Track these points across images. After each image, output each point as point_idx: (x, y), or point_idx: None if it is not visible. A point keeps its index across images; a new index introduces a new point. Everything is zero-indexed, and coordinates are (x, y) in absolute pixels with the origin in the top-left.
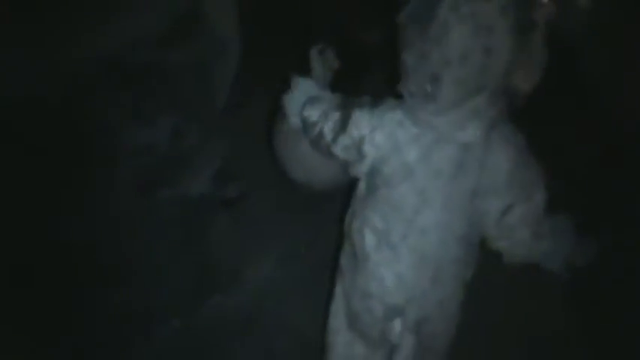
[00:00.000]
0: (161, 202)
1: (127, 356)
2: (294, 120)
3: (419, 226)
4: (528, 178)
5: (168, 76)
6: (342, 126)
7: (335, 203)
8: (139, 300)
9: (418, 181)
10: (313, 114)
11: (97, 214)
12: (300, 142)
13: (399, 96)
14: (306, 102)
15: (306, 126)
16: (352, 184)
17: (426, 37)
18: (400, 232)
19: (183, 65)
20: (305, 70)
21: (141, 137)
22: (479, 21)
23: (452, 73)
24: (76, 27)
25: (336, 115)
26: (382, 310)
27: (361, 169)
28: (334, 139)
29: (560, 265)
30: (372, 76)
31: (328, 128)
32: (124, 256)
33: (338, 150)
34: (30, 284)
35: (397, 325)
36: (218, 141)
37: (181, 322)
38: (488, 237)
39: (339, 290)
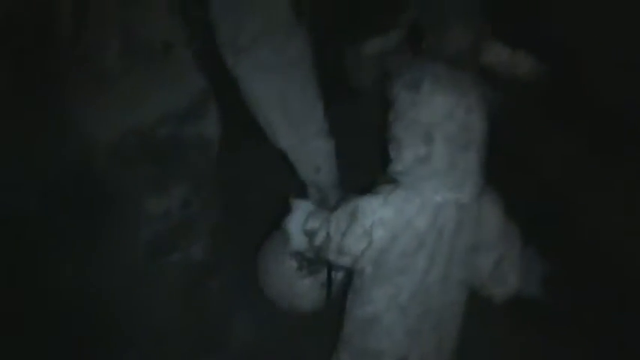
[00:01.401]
0: (166, 266)
1: None
2: (296, 241)
3: (426, 284)
4: (512, 231)
5: (181, 149)
6: (352, 218)
7: None
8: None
9: (428, 246)
10: (316, 224)
11: (106, 274)
12: (276, 266)
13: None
14: (308, 217)
15: (312, 237)
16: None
17: (416, 103)
18: (409, 292)
19: (195, 139)
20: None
21: (156, 206)
22: (458, 88)
23: (442, 130)
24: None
25: (340, 214)
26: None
27: (370, 255)
28: (344, 234)
29: (539, 291)
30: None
31: (335, 228)
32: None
33: (350, 243)
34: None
35: None
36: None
37: None
38: (482, 286)
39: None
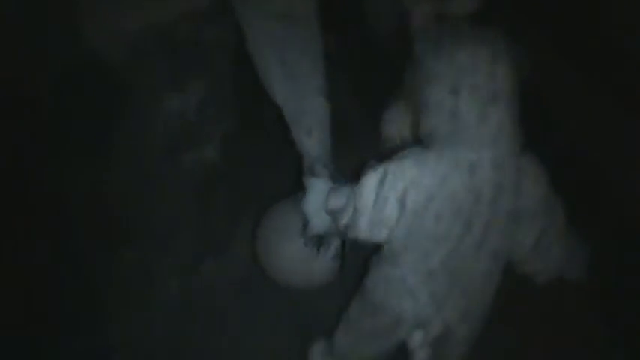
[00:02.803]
0: (180, 164)
1: (125, 314)
2: (316, 223)
3: (459, 250)
4: (555, 202)
5: (201, 48)
6: (381, 186)
7: None
8: (142, 258)
9: (465, 210)
10: (339, 201)
11: (121, 168)
12: (283, 246)
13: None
14: (328, 195)
15: (337, 217)
16: None
17: (439, 56)
18: (440, 258)
19: (214, 39)
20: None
21: (173, 102)
22: (480, 39)
23: (467, 82)
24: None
25: (367, 184)
26: (410, 324)
27: (405, 222)
28: (376, 205)
29: (582, 271)
30: None
31: (364, 201)
32: (133, 215)
33: (384, 214)
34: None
35: (418, 337)
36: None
37: (180, 284)
38: (523, 261)
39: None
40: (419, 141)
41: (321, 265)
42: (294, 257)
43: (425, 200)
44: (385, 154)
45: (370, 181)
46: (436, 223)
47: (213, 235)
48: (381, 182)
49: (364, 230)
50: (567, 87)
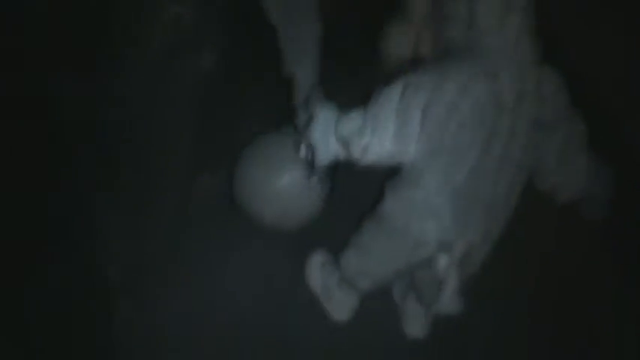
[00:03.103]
0: (178, 68)
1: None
2: (324, 152)
3: (483, 165)
4: (576, 114)
5: None
6: (402, 99)
7: None
8: (138, 170)
9: (488, 121)
10: (355, 121)
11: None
12: (267, 184)
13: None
14: (339, 121)
15: (350, 140)
16: None
17: None
18: (464, 174)
19: None
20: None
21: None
22: None
23: None
24: None
25: (383, 102)
26: (433, 247)
27: (427, 136)
28: (398, 116)
29: (603, 199)
30: None
31: (386, 114)
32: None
33: (406, 125)
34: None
35: (443, 260)
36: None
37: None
38: (544, 172)
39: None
40: (421, 60)
41: (308, 202)
42: (281, 194)
43: (447, 110)
44: (389, 75)
45: (391, 93)
46: (459, 134)
47: (210, 149)
48: (402, 95)
49: (387, 150)
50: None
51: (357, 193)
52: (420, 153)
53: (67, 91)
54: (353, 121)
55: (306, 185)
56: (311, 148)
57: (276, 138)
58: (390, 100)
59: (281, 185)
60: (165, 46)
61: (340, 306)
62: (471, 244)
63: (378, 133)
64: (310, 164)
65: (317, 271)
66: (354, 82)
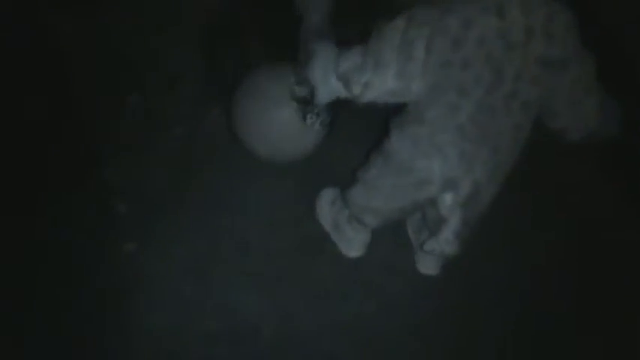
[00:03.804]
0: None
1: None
2: (323, 91)
3: (490, 101)
4: (586, 53)
5: None
6: (406, 32)
7: None
8: (146, 103)
9: (495, 56)
10: (355, 57)
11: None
12: (265, 118)
13: None
14: (339, 57)
15: (351, 76)
16: None
17: None
18: (470, 111)
19: None
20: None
21: None
22: None
23: None
24: None
25: (392, 32)
26: (438, 184)
27: (431, 70)
28: (401, 51)
29: (615, 128)
30: None
31: (389, 49)
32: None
33: (410, 60)
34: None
35: (449, 199)
36: None
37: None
38: (553, 113)
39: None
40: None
41: (303, 137)
42: (282, 126)
43: (452, 45)
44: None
45: (393, 28)
46: (464, 70)
47: (218, 84)
48: (405, 30)
49: (388, 87)
50: None
51: (367, 129)
52: (424, 89)
53: (72, 29)
54: (353, 57)
55: (300, 120)
56: (310, 86)
57: (272, 72)
58: (392, 36)
59: (274, 119)
60: None
61: (351, 242)
62: (477, 184)
63: (379, 70)
64: (307, 102)
65: (327, 207)
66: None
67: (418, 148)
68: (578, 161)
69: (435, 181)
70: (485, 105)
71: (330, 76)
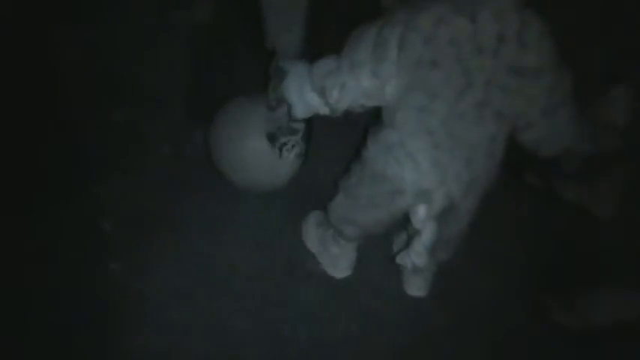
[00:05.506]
0: (172, 22)
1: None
2: (300, 107)
3: (460, 108)
4: (562, 63)
5: None
6: (379, 32)
7: None
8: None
9: (465, 61)
10: (329, 64)
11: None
12: (239, 149)
13: None
14: (313, 67)
15: (325, 81)
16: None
17: None
18: (440, 117)
19: None
20: None
21: None
22: None
23: None
24: None
25: (367, 32)
26: (411, 195)
27: (403, 69)
28: (375, 49)
29: (591, 145)
30: None
31: (364, 47)
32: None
33: (384, 58)
34: None
35: (422, 211)
36: None
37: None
38: (526, 125)
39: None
40: None
41: (283, 166)
42: (256, 158)
43: (423, 43)
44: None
45: (368, 29)
46: (434, 68)
47: (204, 105)
48: (380, 30)
49: (364, 87)
50: None
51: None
52: (398, 91)
53: (58, 44)
54: (328, 63)
55: (275, 154)
56: (286, 105)
57: (247, 103)
58: (367, 35)
59: (249, 150)
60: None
61: (337, 261)
62: (450, 197)
63: (354, 70)
64: (277, 138)
65: (313, 229)
66: None
67: (390, 155)
68: None
69: (407, 190)
70: (456, 112)
71: (306, 89)
